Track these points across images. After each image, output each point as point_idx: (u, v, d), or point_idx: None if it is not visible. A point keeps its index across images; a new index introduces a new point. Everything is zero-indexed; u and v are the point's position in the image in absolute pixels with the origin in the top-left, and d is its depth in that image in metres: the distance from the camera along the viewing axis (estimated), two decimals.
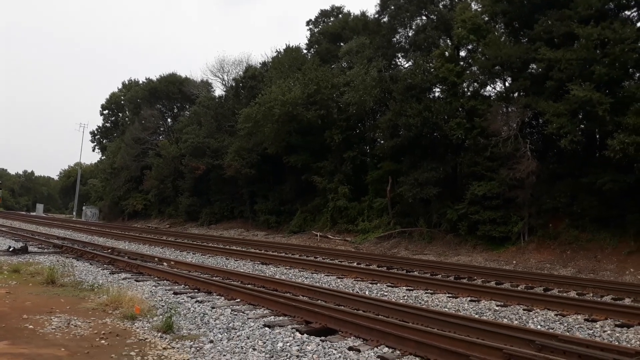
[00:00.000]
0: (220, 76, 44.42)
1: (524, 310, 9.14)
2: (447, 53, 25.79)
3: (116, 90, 66.73)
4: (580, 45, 19.24)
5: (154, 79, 54.38)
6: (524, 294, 10.48)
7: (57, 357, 5.22)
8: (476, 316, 8.37)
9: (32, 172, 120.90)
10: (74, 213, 66.40)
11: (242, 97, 39.75)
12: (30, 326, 6.44)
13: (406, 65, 30.89)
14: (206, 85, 48.88)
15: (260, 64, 42.91)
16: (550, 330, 7.53)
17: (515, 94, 23.56)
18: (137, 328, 6.65)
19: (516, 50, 21.62)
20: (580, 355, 5.53)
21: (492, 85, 25.57)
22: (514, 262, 19.64)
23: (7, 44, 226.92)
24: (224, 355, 5.59)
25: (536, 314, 8.85)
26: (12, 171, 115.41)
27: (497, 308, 9.28)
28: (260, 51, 58.33)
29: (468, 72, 25.25)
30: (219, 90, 47.65)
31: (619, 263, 17.75)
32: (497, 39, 22.98)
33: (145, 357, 5.36)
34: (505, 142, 20.95)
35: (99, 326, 6.62)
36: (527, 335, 6.36)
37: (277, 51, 40.89)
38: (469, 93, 25.75)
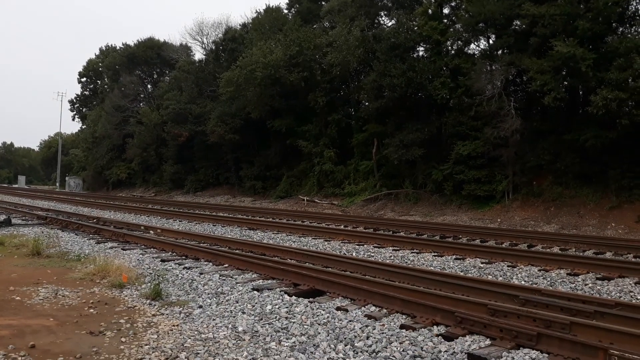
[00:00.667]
0: (200, 39, 43.52)
1: (508, 266, 9.31)
2: (430, 10, 25.44)
3: (93, 56, 65.06)
4: (564, 0, 19.06)
5: (132, 44, 53.00)
6: (508, 251, 10.67)
7: (46, 327, 5.21)
8: (461, 274, 8.52)
9: (12, 144, 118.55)
10: (57, 184, 65.68)
11: (223, 61, 39.01)
12: (18, 298, 6.41)
13: (389, 24, 30.41)
14: (185, 49, 47.84)
15: (240, 25, 42.08)
16: (534, 285, 7.69)
17: (499, 52, 23.39)
18: (126, 296, 6.65)
19: (500, 6, 21.32)
20: (562, 307, 5.66)
21: (476, 43, 25.35)
22: (499, 220, 19.95)
23: None
24: (214, 320, 5.63)
25: (520, 270, 9.03)
26: None
27: (481, 265, 9.45)
28: (240, 12, 56.99)
29: (452, 30, 24.98)
30: (198, 54, 46.69)
31: (601, 218, 18.12)
32: None
33: (135, 324, 5.38)
34: (490, 101, 20.93)
35: (87, 295, 6.62)
36: (511, 290, 6.48)
37: (257, 12, 39.97)
38: (452, 52, 25.54)
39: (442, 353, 4.61)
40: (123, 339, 4.88)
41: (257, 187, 34.58)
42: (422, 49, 26.86)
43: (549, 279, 8.28)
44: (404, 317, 5.71)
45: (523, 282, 7.97)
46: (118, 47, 58.24)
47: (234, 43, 38.66)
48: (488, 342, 4.87)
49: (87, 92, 66.78)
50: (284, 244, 11.84)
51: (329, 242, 12.68)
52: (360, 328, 5.28)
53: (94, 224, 14.88)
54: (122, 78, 50.68)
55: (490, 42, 24.17)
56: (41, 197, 31.51)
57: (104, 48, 63.38)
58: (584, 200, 19.40)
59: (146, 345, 4.73)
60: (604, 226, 17.42)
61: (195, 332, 5.18)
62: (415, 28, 25.51)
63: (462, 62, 23.30)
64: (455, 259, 10.16)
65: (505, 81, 21.54)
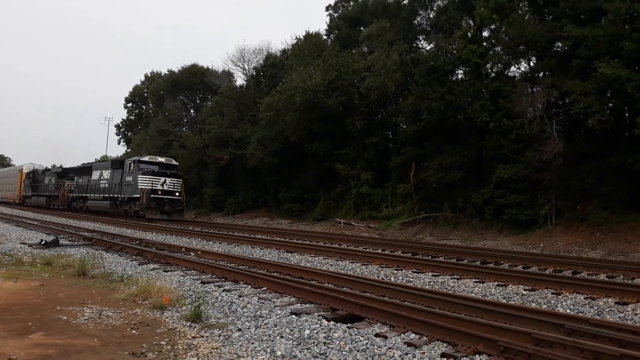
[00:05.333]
0: (241, 65, 44.52)
1: (552, 294, 9.02)
2: (469, 34, 25.31)
3: (139, 82, 67.45)
4: (608, 21, 18.66)
5: (176, 70, 54.78)
6: (552, 278, 10.33)
7: (90, 347, 5.35)
8: (504, 301, 8.29)
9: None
10: None
11: (263, 86, 39.78)
12: (64, 317, 6.61)
13: (428, 48, 30.48)
14: (227, 75, 49.00)
15: (280, 51, 42.85)
16: (580, 314, 7.42)
17: (541, 74, 23.04)
18: (167, 318, 6.77)
19: (541, 28, 21.08)
20: (611, 338, 5.43)
21: (516, 66, 25.10)
22: (541, 245, 19.37)
23: (36, 41, 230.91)
24: (252, 343, 5.66)
25: (565, 297, 8.72)
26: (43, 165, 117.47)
27: (524, 292, 9.18)
28: (280, 38, 58.28)
29: (491, 52, 24.75)
30: (240, 80, 47.82)
31: None
32: (521, 17, 22.40)
33: (175, 346, 5.46)
34: (531, 124, 20.54)
35: (130, 316, 6.77)
36: (556, 319, 6.27)
37: (297, 38, 40.77)
38: (492, 74, 25.28)
39: None
40: None
41: (294, 210, 34.73)
42: (461, 72, 26.73)
43: (596, 307, 7.97)
44: (444, 345, 5.60)
45: (568, 311, 7.69)
46: (163, 74, 60.22)
47: (274, 69, 39.41)
48: None
49: (132, 117, 69.00)
50: (321, 268, 11.82)
51: (367, 266, 12.59)
52: (400, 356, 5.21)
53: (136, 245, 15.24)
54: (166, 103, 52.17)
55: (531, 64, 23.86)
56: (87, 219, 32.52)
57: (149, 74, 65.62)
58: (632, 225, 18.63)
59: None
60: None
61: (234, 356, 5.21)
62: (454, 51, 25.44)
63: (502, 85, 23.01)
64: (497, 285, 9.91)
65: (547, 104, 21.13)
